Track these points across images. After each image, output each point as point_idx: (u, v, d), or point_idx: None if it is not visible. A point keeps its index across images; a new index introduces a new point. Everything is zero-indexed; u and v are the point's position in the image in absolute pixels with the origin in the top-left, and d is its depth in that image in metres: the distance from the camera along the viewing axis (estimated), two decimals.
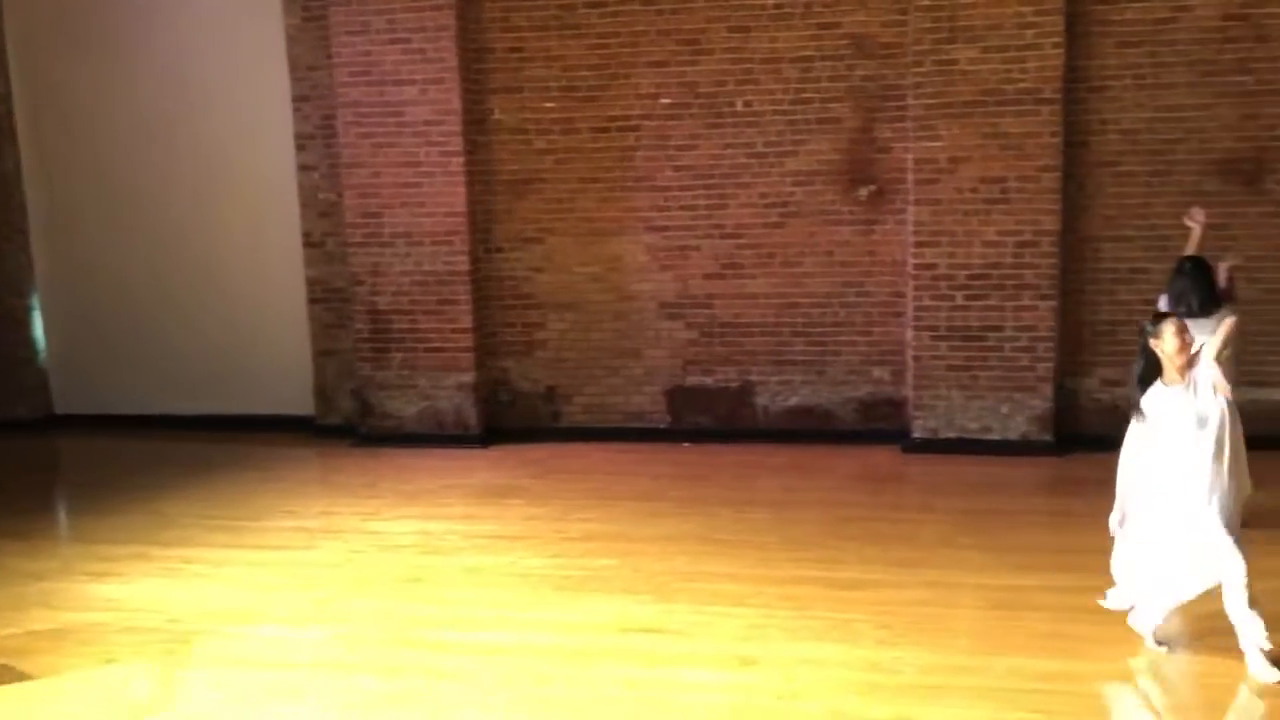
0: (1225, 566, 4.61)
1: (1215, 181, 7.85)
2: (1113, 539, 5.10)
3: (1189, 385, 4.73)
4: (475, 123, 8.62)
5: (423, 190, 8.58)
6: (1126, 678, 4.76)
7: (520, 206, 8.73)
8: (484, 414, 8.82)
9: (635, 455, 8.34)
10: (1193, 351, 4.70)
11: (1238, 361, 6.37)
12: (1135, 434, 4.95)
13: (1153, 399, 4.81)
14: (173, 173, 9.37)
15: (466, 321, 8.66)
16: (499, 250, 8.82)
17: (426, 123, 8.51)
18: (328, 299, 9.12)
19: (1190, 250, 6.38)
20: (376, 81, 8.50)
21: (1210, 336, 5.90)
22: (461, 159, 8.52)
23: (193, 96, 9.22)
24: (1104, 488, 7.19)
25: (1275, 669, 4.56)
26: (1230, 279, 6.27)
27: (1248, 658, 4.61)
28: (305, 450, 8.91)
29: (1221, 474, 4.66)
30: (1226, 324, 4.79)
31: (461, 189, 8.54)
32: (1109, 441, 7.86)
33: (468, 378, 8.71)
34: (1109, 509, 6.80)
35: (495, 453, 8.62)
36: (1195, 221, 6.52)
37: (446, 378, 8.73)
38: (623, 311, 8.73)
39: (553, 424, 8.90)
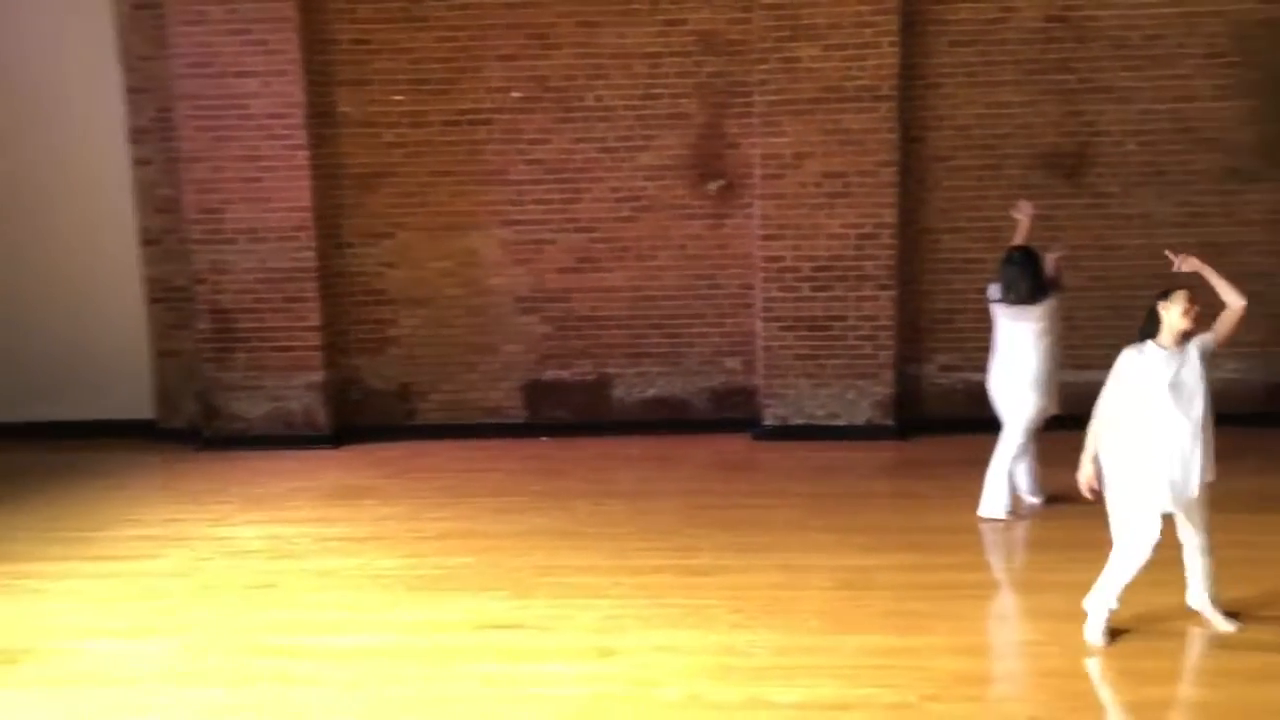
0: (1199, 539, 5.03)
1: (1041, 175, 8.28)
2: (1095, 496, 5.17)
3: (1180, 354, 5.00)
4: (320, 115, 8.43)
5: (266, 185, 8.35)
6: (966, 651, 4.99)
7: (370, 201, 8.58)
8: (335, 414, 8.65)
9: (491, 451, 8.31)
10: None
11: (1062, 346, 6.76)
12: (1112, 395, 5.18)
13: (1136, 357, 5.08)
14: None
15: (315, 319, 8.46)
16: (349, 245, 8.65)
17: (269, 116, 8.28)
18: (168, 298, 8.79)
19: (1018, 241, 6.72)
20: (216, 74, 8.22)
21: (1029, 344, 6.31)
22: (306, 153, 8.31)
23: (19, 89, 8.73)
24: (944, 468, 7.58)
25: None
26: (1058, 268, 6.63)
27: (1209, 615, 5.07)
28: (148, 456, 8.56)
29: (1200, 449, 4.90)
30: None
31: (307, 183, 8.34)
32: (947, 424, 8.31)
33: (317, 377, 8.52)
34: (948, 489, 7.15)
35: (347, 453, 8.45)
36: (1022, 214, 6.87)
37: (295, 377, 8.52)
38: (477, 307, 8.68)
39: (407, 422, 8.79)
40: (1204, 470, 4.89)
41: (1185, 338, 5.00)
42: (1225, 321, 5.02)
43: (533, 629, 5.28)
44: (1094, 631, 4.93)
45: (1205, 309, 5.07)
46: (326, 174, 8.50)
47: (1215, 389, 8.48)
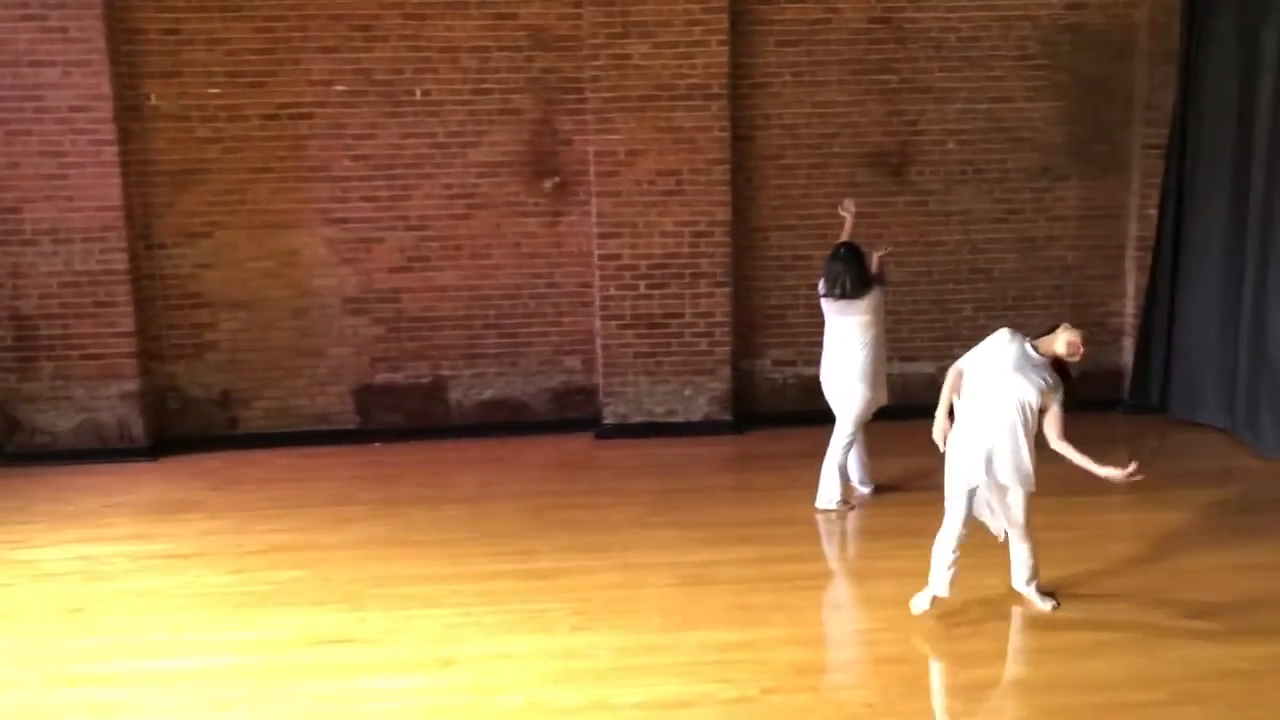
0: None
1: (867, 173, 8.50)
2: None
3: (1040, 369, 5.02)
4: (129, 109, 7.94)
5: (70, 182, 7.80)
6: (804, 642, 5.06)
7: (184, 199, 8.13)
8: (152, 424, 8.16)
9: (322, 459, 7.98)
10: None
11: (888, 339, 6.96)
12: (968, 358, 5.25)
13: (1007, 340, 5.11)
14: None
15: (127, 324, 7.96)
16: (161, 246, 8.17)
17: (71, 109, 7.74)
18: None
19: (844, 237, 6.88)
20: (8, 62, 7.63)
21: (854, 338, 6.48)
22: (114, 148, 7.81)
23: None
24: (780, 461, 7.71)
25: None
26: (882, 264, 6.82)
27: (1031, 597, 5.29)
28: None
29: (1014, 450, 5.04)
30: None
31: (116, 180, 7.84)
32: (782, 417, 8.46)
33: (131, 385, 8.02)
34: (784, 480, 7.27)
35: (166, 465, 7.97)
36: (847, 211, 7.05)
37: (107, 386, 8.00)
38: (303, 308, 8.34)
39: (230, 431, 8.37)
40: (1025, 478, 5.06)
41: (1058, 365, 5.08)
42: (1065, 447, 5.10)
43: (368, 642, 5.10)
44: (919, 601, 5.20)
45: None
46: (136, 171, 8.01)
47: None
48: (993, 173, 8.59)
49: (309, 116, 8.12)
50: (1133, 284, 8.70)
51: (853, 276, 6.48)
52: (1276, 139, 7.32)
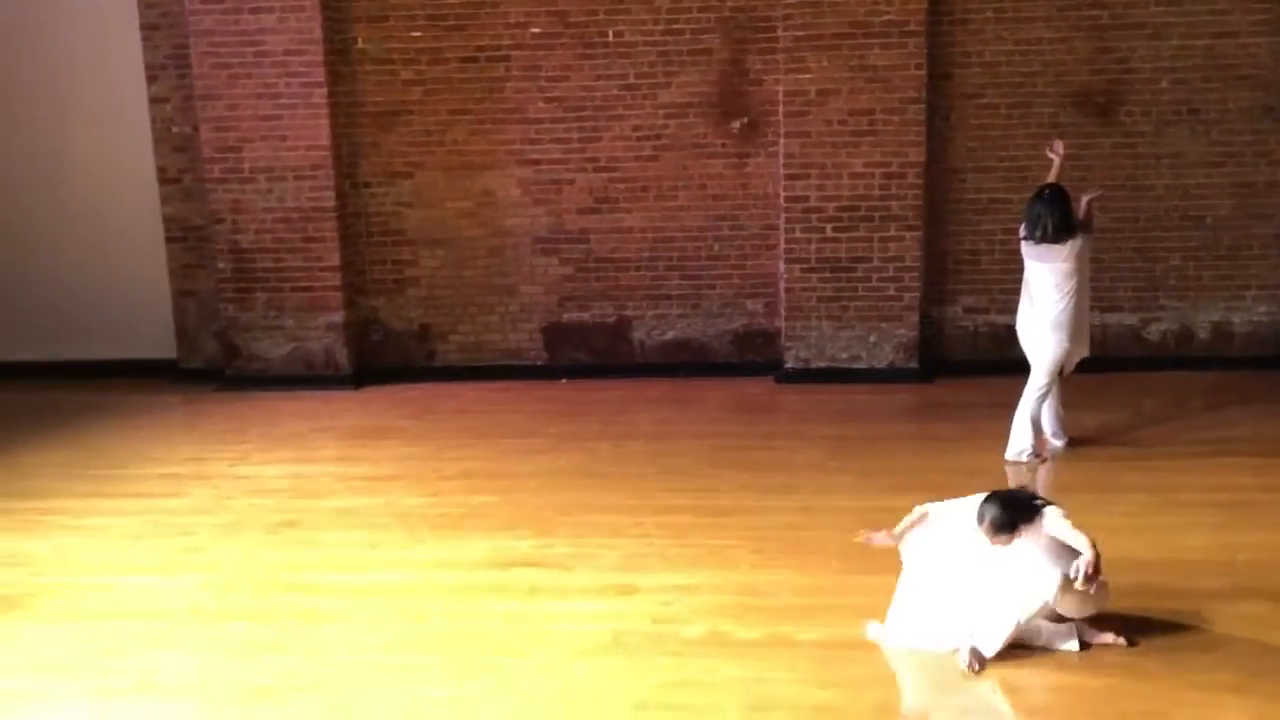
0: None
1: (1071, 114, 8.10)
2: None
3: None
4: (338, 53, 8.32)
5: (284, 123, 8.26)
6: None
7: (387, 140, 8.49)
8: (355, 354, 8.63)
9: (512, 393, 8.28)
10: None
11: (1090, 288, 6.65)
12: None
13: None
14: (15, 110, 8.80)
15: (334, 259, 8.42)
16: (366, 185, 8.57)
17: (286, 52, 8.17)
18: (186, 237, 8.76)
19: (1051, 180, 6.58)
20: (231, 9, 8.11)
21: (1054, 285, 6.13)
22: (324, 90, 8.21)
23: (31, 28, 8.65)
24: (966, 411, 7.53)
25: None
26: (1090, 209, 6.50)
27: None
28: (168, 395, 8.59)
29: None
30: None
31: (325, 122, 8.25)
32: (972, 366, 8.24)
33: (337, 317, 8.50)
34: (971, 431, 7.11)
35: (368, 394, 8.45)
36: (1055, 153, 6.72)
37: (315, 318, 8.50)
38: (496, 247, 8.62)
39: (427, 363, 8.77)
40: None
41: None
42: None
43: (554, 567, 5.28)
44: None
45: None
46: (343, 112, 8.41)
47: (1246, 331, 8.41)
48: (1210, 113, 8.05)
49: (506, 59, 8.31)
50: None
51: (1056, 220, 6.21)
52: None
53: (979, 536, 4.30)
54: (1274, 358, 8.21)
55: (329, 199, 8.34)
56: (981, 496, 4.38)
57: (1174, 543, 5.19)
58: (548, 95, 8.35)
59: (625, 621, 4.70)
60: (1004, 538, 4.26)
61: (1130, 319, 8.33)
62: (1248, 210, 8.17)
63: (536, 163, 8.47)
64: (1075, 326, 6.36)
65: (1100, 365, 7.03)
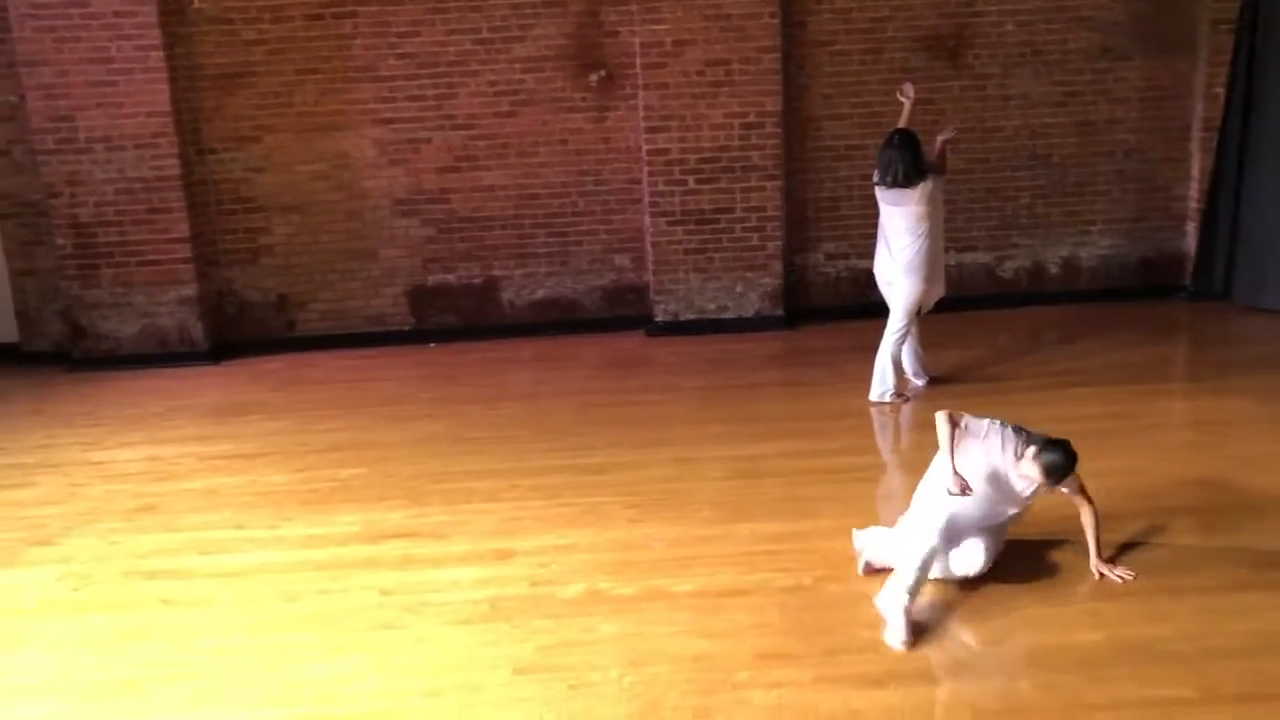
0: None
1: (922, 58, 8.24)
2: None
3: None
4: (173, 12, 7.89)
5: (119, 89, 7.82)
6: (851, 532, 5.09)
7: (232, 103, 8.13)
8: (211, 328, 8.30)
9: (378, 360, 8.09)
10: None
11: (945, 229, 6.82)
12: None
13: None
14: None
15: (182, 230, 8.06)
16: (212, 151, 8.20)
17: (116, 13, 7.71)
18: (20, 213, 8.25)
19: (902, 124, 6.70)
20: None
21: (908, 229, 6.25)
22: (161, 53, 7.79)
23: None
24: (833, 355, 7.68)
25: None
26: (943, 150, 6.64)
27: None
28: (12, 380, 8.11)
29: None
30: None
31: (164, 86, 7.84)
32: (835, 311, 8.40)
33: (189, 290, 8.15)
34: (836, 375, 7.27)
35: (227, 368, 8.14)
36: (906, 97, 6.83)
37: (165, 292, 8.13)
38: (354, 211, 8.37)
39: (288, 334, 8.49)
40: None
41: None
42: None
43: (430, 537, 5.22)
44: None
45: None
46: (183, 75, 8.01)
47: (1093, 265, 8.76)
48: (1052, 54, 8.29)
49: (353, 15, 8.02)
50: (1197, 167, 8.43)
51: (907, 164, 6.32)
52: None
53: (1017, 468, 4.36)
54: (1120, 289, 8.58)
55: (173, 167, 7.95)
56: (1018, 430, 4.43)
57: None
58: (399, 52, 8.11)
59: (502, 587, 4.69)
60: (1052, 483, 4.34)
61: (984, 257, 8.59)
62: (1090, 148, 8.47)
63: (391, 122, 8.23)
64: (930, 268, 6.52)
65: (957, 304, 7.25)
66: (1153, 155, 8.49)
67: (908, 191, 6.35)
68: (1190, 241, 8.56)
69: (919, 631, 4.18)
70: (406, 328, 8.54)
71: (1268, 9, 7.83)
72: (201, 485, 5.97)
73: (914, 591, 4.24)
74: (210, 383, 7.83)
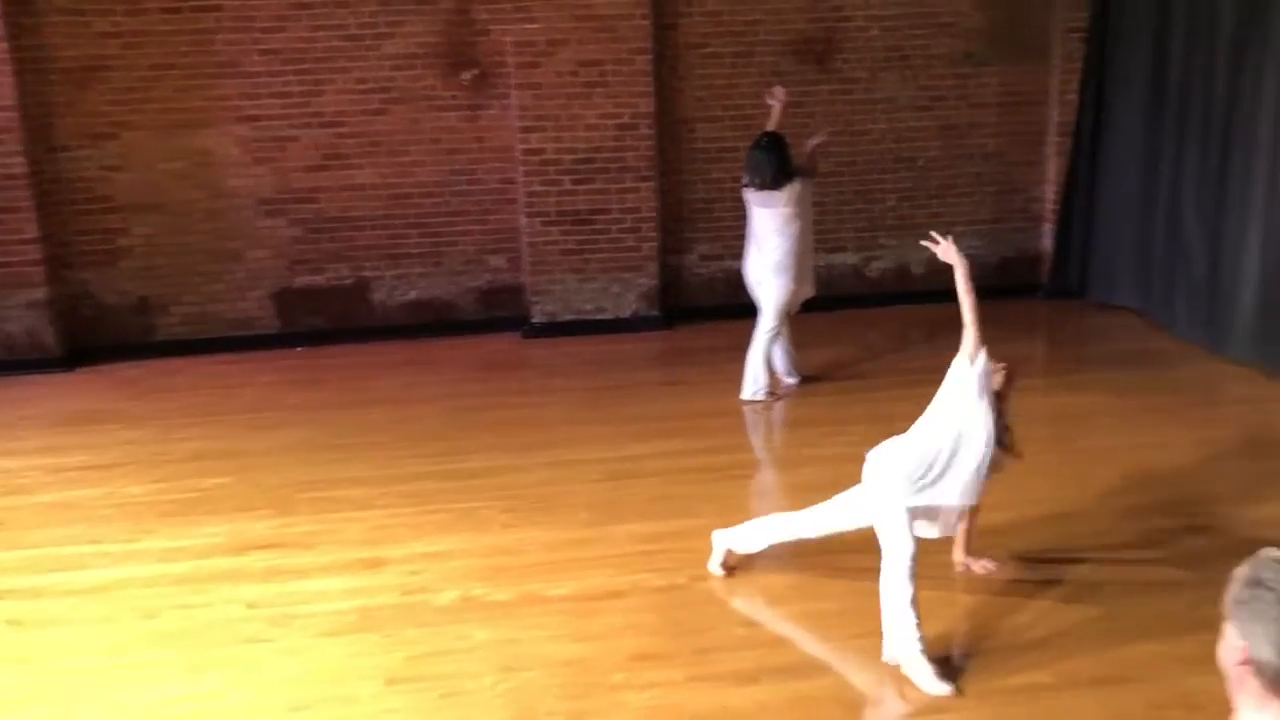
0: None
1: (791, 61, 8.37)
2: None
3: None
4: (19, 3, 7.51)
5: None
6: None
7: (85, 98, 7.76)
8: (64, 333, 7.91)
9: (244, 365, 7.82)
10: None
11: (814, 230, 6.95)
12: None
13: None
14: None
15: (32, 231, 7.65)
16: (64, 149, 7.82)
17: None
18: None
19: (771, 126, 6.80)
20: None
21: (776, 230, 6.32)
22: (5, 45, 7.38)
23: None
24: (708, 355, 7.74)
25: None
26: (814, 154, 6.75)
27: None
28: None
29: None
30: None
31: (9, 79, 7.43)
32: (710, 312, 8.46)
33: (40, 294, 7.75)
34: (711, 374, 7.33)
35: (83, 375, 7.76)
36: (776, 100, 6.93)
37: (13, 296, 7.72)
38: (217, 211, 8.08)
39: (147, 339, 8.15)
40: None
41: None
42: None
43: (297, 547, 5.09)
44: None
45: None
46: (31, 69, 7.62)
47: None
48: (916, 59, 8.52)
49: (215, 9, 7.75)
50: (1053, 169, 8.77)
51: (774, 166, 6.41)
52: (1195, 22, 7.34)
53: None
54: (980, 289, 8.77)
55: (20, 165, 7.56)
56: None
57: None
58: (263, 47, 7.87)
59: (373, 596, 4.59)
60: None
61: (853, 258, 8.78)
62: (953, 151, 8.74)
63: (256, 119, 7.98)
64: (799, 268, 6.63)
65: (826, 304, 7.39)
66: (1011, 158, 8.80)
67: (775, 193, 6.45)
68: (1047, 242, 8.90)
69: (945, 662, 3.96)
70: (273, 331, 8.29)
71: (1116, 17, 8.19)
72: (53, 499, 5.69)
73: (918, 625, 3.92)
74: (64, 391, 7.46)
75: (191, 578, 4.82)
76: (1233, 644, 1.84)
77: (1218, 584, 1.91)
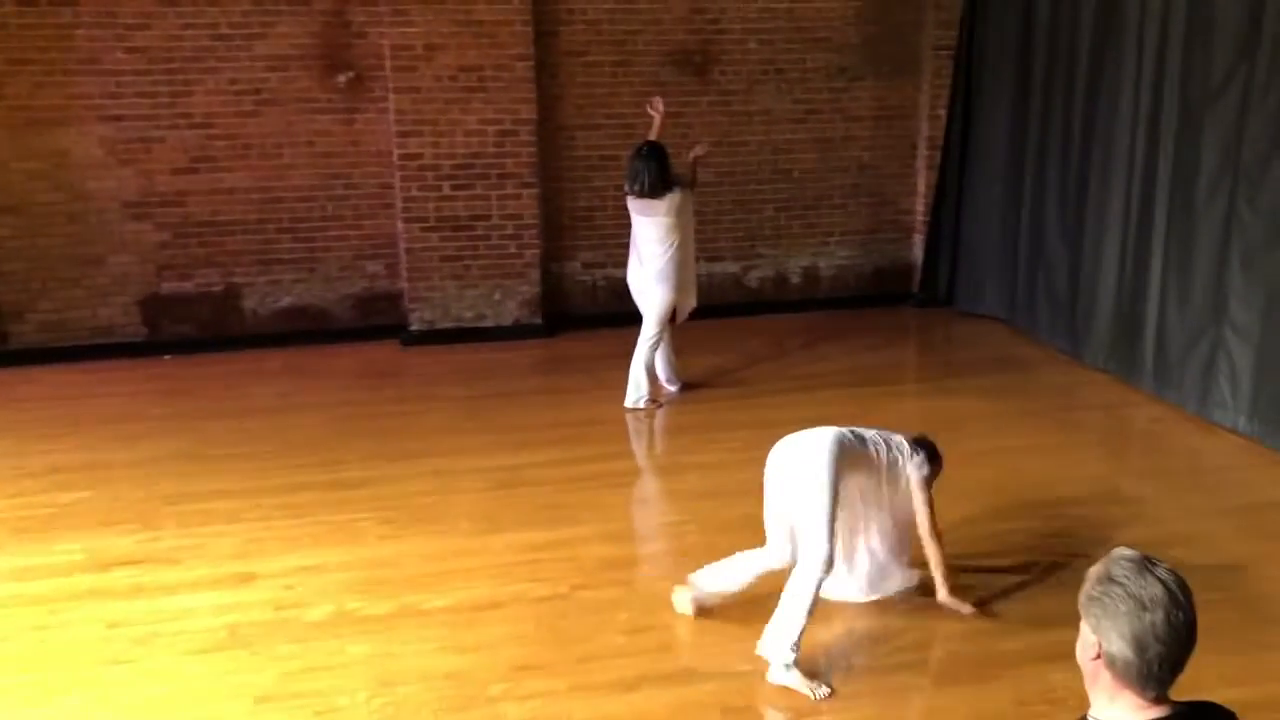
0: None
1: (671, 72, 8.44)
2: None
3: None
4: None
5: None
6: (613, 538, 5.14)
7: None
8: None
9: (106, 374, 7.49)
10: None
11: (695, 239, 7.02)
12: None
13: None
14: None
15: None
16: None
17: None
18: None
19: (652, 136, 6.84)
20: None
21: (657, 239, 6.42)
22: None
23: None
24: (590, 363, 7.74)
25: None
26: (694, 165, 6.82)
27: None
28: None
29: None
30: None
31: None
32: (592, 319, 8.47)
33: None
34: (594, 382, 7.32)
35: None
36: (656, 110, 6.99)
37: None
38: (78, 213, 7.74)
39: (0, 347, 7.76)
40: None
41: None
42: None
43: (163, 562, 4.89)
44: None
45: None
46: None
47: (831, 274, 9.20)
48: (792, 73, 8.68)
49: (74, 4, 7.43)
50: (923, 182, 9.04)
51: (653, 175, 6.46)
52: (1055, 41, 7.66)
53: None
54: (855, 297, 9.07)
55: None
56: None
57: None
58: (128, 45, 7.57)
59: (243, 613, 4.44)
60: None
61: (732, 267, 8.89)
62: (828, 163, 8.93)
63: (120, 119, 7.67)
64: (681, 277, 6.69)
65: (706, 313, 7.45)
66: (884, 171, 9.04)
67: (655, 202, 6.49)
68: (917, 252, 9.16)
69: (816, 666, 4.02)
70: (139, 339, 7.97)
71: (981, 37, 8.49)
72: None
73: (802, 634, 3.94)
74: None
75: (48, 597, 4.59)
76: (1086, 640, 1.92)
77: (1076, 583, 1.99)
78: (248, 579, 4.71)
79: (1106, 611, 1.85)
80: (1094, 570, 1.92)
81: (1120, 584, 1.85)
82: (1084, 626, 1.92)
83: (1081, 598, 1.92)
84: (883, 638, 4.28)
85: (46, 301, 7.79)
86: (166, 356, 7.85)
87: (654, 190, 6.45)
